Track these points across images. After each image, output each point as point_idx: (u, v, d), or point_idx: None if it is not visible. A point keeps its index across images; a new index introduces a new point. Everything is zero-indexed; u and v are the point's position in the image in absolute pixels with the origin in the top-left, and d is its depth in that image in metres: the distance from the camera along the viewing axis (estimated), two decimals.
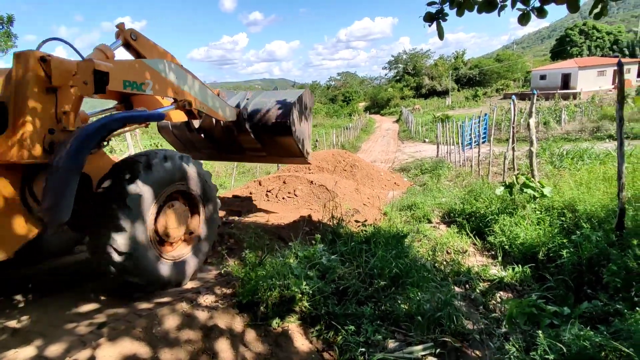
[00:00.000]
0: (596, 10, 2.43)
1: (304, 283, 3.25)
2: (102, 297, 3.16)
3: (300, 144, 5.41)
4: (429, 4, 2.84)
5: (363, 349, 2.87)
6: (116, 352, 2.24)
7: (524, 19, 2.57)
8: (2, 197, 2.79)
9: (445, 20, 2.75)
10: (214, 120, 5.03)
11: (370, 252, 4.26)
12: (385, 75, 75.85)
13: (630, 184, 4.19)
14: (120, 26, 3.71)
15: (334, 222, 5.29)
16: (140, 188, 3.02)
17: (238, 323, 2.92)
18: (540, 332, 2.57)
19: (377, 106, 61.73)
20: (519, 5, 2.67)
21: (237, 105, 5.29)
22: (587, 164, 7.60)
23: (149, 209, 3.12)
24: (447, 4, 2.82)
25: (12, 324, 2.72)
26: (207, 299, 3.07)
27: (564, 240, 4.02)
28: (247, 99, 5.51)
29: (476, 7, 2.75)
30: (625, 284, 2.91)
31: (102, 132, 2.95)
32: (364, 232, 5.22)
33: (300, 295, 3.19)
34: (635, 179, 4.38)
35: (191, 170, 3.55)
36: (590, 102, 25.37)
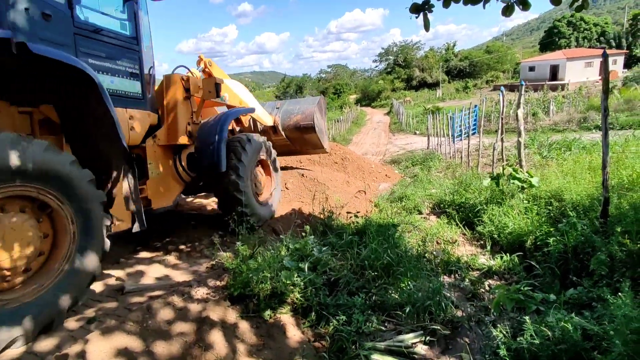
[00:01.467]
0: (577, 3, 2.46)
1: (296, 275, 3.27)
2: (92, 292, 3.14)
3: (321, 138, 7.73)
4: None
5: (354, 339, 2.91)
6: (108, 346, 2.23)
7: (507, 11, 2.59)
8: (164, 167, 4.31)
9: (431, 11, 2.75)
10: (252, 125, 6.67)
11: (362, 244, 4.30)
12: (376, 67, 75.77)
13: (614, 173, 4.28)
14: (201, 56, 5.22)
15: (325, 214, 5.31)
16: (248, 154, 4.80)
17: (230, 315, 2.93)
18: (527, 317, 2.64)
19: (368, 99, 61.68)
20: None
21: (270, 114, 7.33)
22: (574, 154, 7.73)
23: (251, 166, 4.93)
24: None
25: None
26: (199, 292, 3.07)
27: (551, 229, 4.09)
28: (277, 108, 7.74)
29: None
30: (609, 271, 2.99)
31: (230, 119, 4.80)
32: (355, 224, 5.26)
33: (292, 287, 3.21)
34: (620, 168, 4.48)
35: (265, 145, 5.29)
36: (578, 93, 25.72)
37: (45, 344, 2.28)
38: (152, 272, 3.69)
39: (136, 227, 3.41)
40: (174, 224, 5.25)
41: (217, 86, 4.52)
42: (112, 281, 3.45)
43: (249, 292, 3.07)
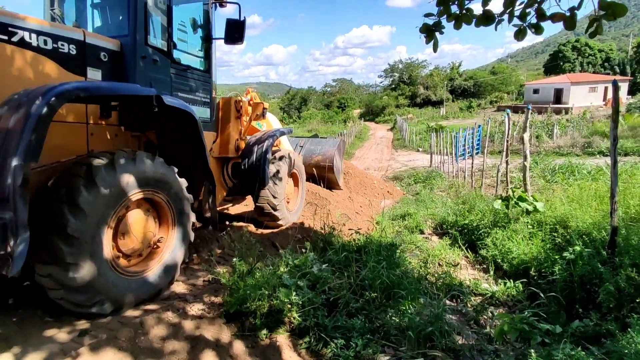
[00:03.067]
0: (591, 29, 2.44)
1: (294, 294, 3.18)
2: None
3: (338, 177, 8.72)
4: (426, 16, 2.82)
5: None
6: None
7: (520, 34, 2.57)
8: (216, 174, 4.80)
9: (442, 32, 2.73)
10: None
11: (362, 262, 4.21)
12: (381, 83, 76.42)
13: (621, 203, 4.21)
14: (249, 90, 5.92)
15: (326, 230, 5.23)
16: (283, 172, 5.63)
17: (225, 334, 2.84)
18: (532, 350, 2.54)
19: (372, 114, 62.01)
20: (516, 20, 2.67)
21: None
22: (579, 180, 7.67)
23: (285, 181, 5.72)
24: (445, 16, 2.81)
25: None
26: (194, 308, 2.99)
27: (556, 257, 4.01)
28: (301, 146, 8.89)
29: (474, 20, 2.74)
30: (617, 304, 2.90)
31: (274, 140, 5.46)
32: (356, 242, 5.18)
33: (289, 306, 3.12)
34: (627, 197, 4.41)
35: (296, 160, 6.28)
36: (582, 117, 25.79)
37: (34, 357, 2.20)
38: None
39: (210, 229, 4.26)
40: None
41: (264, 110, 5.65)
42: None
43: (246, 310, 2.98)
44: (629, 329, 2.37)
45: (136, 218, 3.08)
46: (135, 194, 2.96)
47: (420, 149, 24.86)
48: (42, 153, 2.35)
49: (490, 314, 3.88)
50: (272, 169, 5.38)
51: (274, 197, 5.29)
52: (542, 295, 3.58)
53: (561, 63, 57.14)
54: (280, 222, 5.47)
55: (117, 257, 2.93)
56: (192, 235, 3.57)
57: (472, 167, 10.50)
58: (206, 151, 3.73)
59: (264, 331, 2.96)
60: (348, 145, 29.06)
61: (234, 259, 3.41)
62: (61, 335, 2.49)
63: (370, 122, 56.80)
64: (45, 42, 2.93)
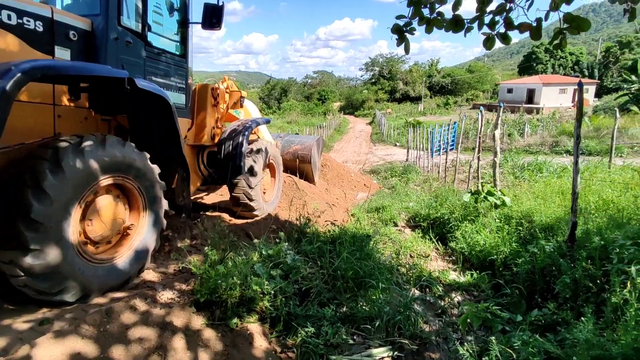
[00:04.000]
0: (556, 42, 2.54)
1: (266, 283, 3.19)
2: None
3: (314, 171, 8.67)
4: (398, 17, 2.86)
5: (322, 352, 2.86)
6: (59, 351, 2.08)
7: (488, 43, 2.64)
8: (190, 163, 4.50)
9: (412, 34, 2.77)
10: None
11: (335, 253, 4.26)
12: (362, 76, 76.68)
13: (582, 198, 4.44)
14: (225, 78, 5.86)
15: (301, 221, 5.25)
16: (260, 163, 5.55)
17: (195, 322, 2.82)
18: (493, 337, 2.67)
19: (352, 107, 62.24)
20: (485, 29, 2.74)
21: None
22: (545, 177, 8.02)
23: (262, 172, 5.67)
24: (417, 18, 2.85)
25: None
26: (164, 296, 2.94)
27: (520, 249, 4.19)
28: (280, 137, 8.95)
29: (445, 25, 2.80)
30: (573, 294, 3.07)
31: (252, 128, 5.36)
32: (331, 233, 5.23)
33: (261, 295, 3.13)
34: (587, 193, 4.66)
35: (273, 150, 6.18)
36: (552, 117, 26.88)
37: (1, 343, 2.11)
38: None
39: (183, 217, 4.13)
40: None
41: (242, 99, 5.66)
42: None
43: (217, 299, 2.97)
44: (582, 318, 2.51)
45: (105, 204, 2.98)
46: (104, 180, 2.87)
47: (398, 144, 25.23)
48: (4, 134, 2.25)
49: (456, 304, 4.04)
50: (248, 158, 5.30)
51: (250, 188, 5.24)
52: (505, 286, 3.75)
53: (534, 64, 59.10)
54: (255, 213, 5.42)
55: (85, 243, 2.84)
56: (164, 223, 3.51)
57: (447, 162, 10.76)
58: (180, 138, 3.65)
59: (235, 320, 2.95)
60: (327, 137, 29.10)
61: (206, 248, 3.37)
62: (21, 324, 2.40)
63: (350, 115, 56.99)
64: (9, 17, 2.75)
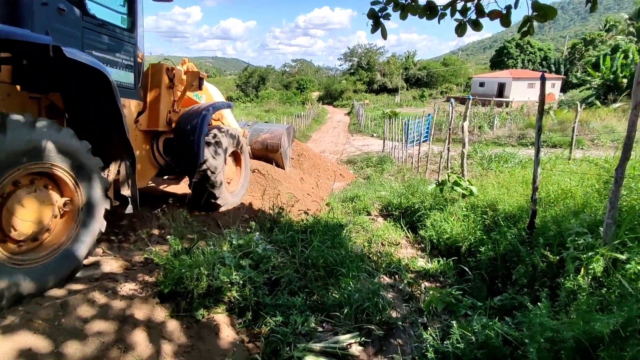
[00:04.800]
0: (524, 29, 2.61)
1: (234, 273, 3.15)
2: None
3: (284, 160, 8.40)
4: (373, 3, 2.85)
5: (290, 340, 2.86)
6: (8, 347, 1.98)
7: (460, 29, 2.68)
8: (142, 150, 4.49)
9: (388, 19, 2.77)
10: None
11: (308, 242, 4.27)
12: (340, 66, 76.45)
13: (542, 188, 4.64)
14: (185, 60, 5.45)
15: (275, 210, 5.22)
16: (223, 148, 5.16)
17: (159, 314, 2.75)
18: (454, 322, 2.76)
19: (331, 97, 62.15)
20: (457, 15, 2.77)
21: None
22: (511, 168, 8.32)
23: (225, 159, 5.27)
24: (392, 4, 2.85)
25: None
26: (125, 287, 2.85)
27: (484, 237, 4.34)
28: (248, 125, 8.57)
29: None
30: (530, 279, 3.22)
31: (211, 112, 5.00)
32: (304, 222, 5.23)
33: (229, 285, 3.09)
34: (548, 183, 4.86)
35: (238, 137, 5.72)
36: (520, 111, 27.84)
37: None
38: None
39: (129, 209, 3.67)
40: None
41: (201, 80, 4.94)
42: None
43: (182, 290, 2.91)
44: (538, 303, 2.63)
45: (27, 196, 2.56)
46: (27, 168, 2.48)
47: (375, 135, 25.46)
48: None
49: (423, 289, 4.15)
50: (209, 146, 4.87)
51: (212, 172, 4.82)
52: (469, 272, 3.88)
53: (505, 59, 60.78)
54: (218, 202, 5.03)
55: (2, 241, 2.46)
56: (103, 224, 3.09)
57: (419, 153, 10.96)
58: (124, 120, 3.25)
59: (201, 311, 2.91)
60: (305, 127, 29.00)
61: (168, 237, 3.28)
62: None
63: (328, 105, 56.92)
64: None
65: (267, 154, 8.18)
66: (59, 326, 2.25)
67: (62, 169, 2.72)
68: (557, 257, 3.15)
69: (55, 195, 2.76)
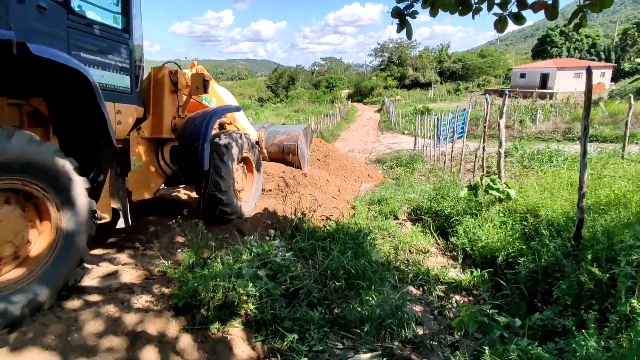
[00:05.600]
0: (576, 21, 2.29)
1: (251, 285, 3.04)
2: None
3: (302, 162, 8.05)
4: (399, 1, 2.62)
5: (306, 358, 2.72)
6: None
7: (500, 24, 2.39)
8: (147, 159, 4.28)
9: (414, 17, 2.53)
10: None
11: (328, 250, 4.10)
12: (371, 62, 75.46)
13: (591, 192, 4.18)
14: (194, 63, 5.42)
15: (297, 215, 5.09)
16: (231, 153, 4.80)
17: (172, 328, 2.69)
18: (486, 347, 2.49)
19: (361, 94, 61.45)
20: (496, 9, 2.48)
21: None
22: (555, 167, 7.68)
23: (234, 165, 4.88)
24: (419, 0, 2.61)
25: None
26: (141, 300, 2.83)
27: (523, 247, 3.97)
28: (264, 127, 8.25)
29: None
30: (575, 299, 2.86)
31: (216, 117, 4.73)
32: (328, 228, 5.06)
33: (245, 298, 2.99)
34: (598, 187, 4.38)
35: (249, 143, 5.37)
36: (565, 103, 25.99)
37: None
38: (101, 270, 3.42)
39: (120, 223, 3.39)
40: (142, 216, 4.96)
41: (205, 83, 4.51)
42: None
43: (197, 302, 2.84)
44: (583, 330, 2.31)
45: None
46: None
47: (406, 132, 24.79)
48: None
49: (454, 303, 3.85)
50: (216, 152, 4.54)
51: (218, 181, 4.49)
52: (505, 285, 3.54)
53: (549, 48, 57.19)
54: (227, 211, 4.68)
55: None
56: (84, 252, 2.81)
57: (452, 151, 10.44)
58: (109, 124, 2.98)
59: (216, 324, 2.82)
60: (334, 125, 28.79)
61: (180, 250, 3.23)
62: None
63: (358, 102, 56.31)
64: None
65: (284, 156, 7.89)
66: (70, 342, 2.24)
67: (38, 188, 2.44)
68: (607, 275, 2.77)
69: (28, 219, 2.49)
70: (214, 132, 5.07)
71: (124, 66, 3.63)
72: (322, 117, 28.10)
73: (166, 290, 3.00)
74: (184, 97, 4.67)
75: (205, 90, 4.54)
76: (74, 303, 2.74)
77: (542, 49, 59.11)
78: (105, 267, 3.48)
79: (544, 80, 43.20)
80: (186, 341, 2.64)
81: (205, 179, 4.47)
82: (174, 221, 3.41)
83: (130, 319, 2.57)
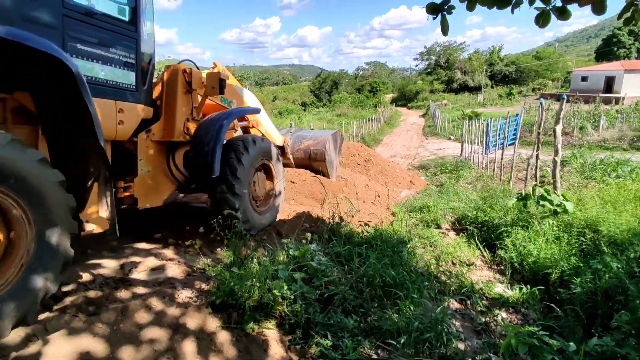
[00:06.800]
0: (627, 15, 2.06)
1: (286, 287, 3.06)
2: (76, 278, 3.08)
3: (329, 170, 7.53)
4: None
5: None
6: (68, 349, 2.13)
7: (542, 20, 2.21)
8: (156, 164, 3.96)
9: (450, 13, 2.41)
10: None
11: (366, 256, 4.02)
12: (416, 66, 73.90)
13: None
14: (216, 63, 5.14)
15: (334, 220, 5.06)
16: (250, 156, 4.33)
17: (210, 324, 2.77)
18: None
19: (405, 98, 60.34)
20: (538, 3, 2.30)
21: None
22: (620, 178, 6.98)
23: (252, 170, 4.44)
24: None
25: None
26: (182, 295, 2.93)
27: (581, 264, 3.64)
28: (291, 132, 7.78)
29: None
30: (638, 327, 2.55)
31: (231, 119, 4.33)
32: (365, 234, 4.97)
33: (280, 300, 3.01)
34: None
35: (271, 149, 4.82)
36: (634, 108, 23.65)
37: (10, 340, 2.21)
38: (146, 264, 3.61)
39: (108, 235, 2.93)
40: (183, 214, 5.20)
41: (222, 82, 4.15)
42: (103, 270, 3.39)
43: (233, 301, 2.90)
44: None
45: None
46: None
47: (452, 137, 23.90)
48: None
49: (500, 321, 3.61)
50: (230, 155, 4.17)
51: (230, 189, 4.07)
52: (556, 308, 3.25)
53: (615, 49, 52.49)
54: (243, 227, 3.92)
55: None
56: (70, 254, 2.47)
57: (502, 158, 9.87)
58: (95, 122, 2.63)
59: (251, 324, 2.86)
60: (376, 130, 28.46)
61: (220, 248, 3.31)
62: (44, 314, 2.50)
63: (402, 107, 55.31)
64: None
65: (310, 162, 7.40)
66: (117, 331, 2.37)
67: (12, 201, 2.15)
68: None
69: None
70: (235, 135, 4.91)
71: (128, 61, 3.32)
72: (365, 121, 27.90)
73: (205, 287, 3.10)
74: (200, 98, 4.33)
75: (222, 91, 4.21)
76: (122, 294, 2.92)
77: (607, 50, 54.41)
78: (151, 262, 3.67)
79: (609, 84, 39.71)
80: (223, 338, 2.70)
81: (218, 181, 4.09)
82: (214, 220, 3.51)
83: (172, 312, 2.68)
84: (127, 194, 3.65)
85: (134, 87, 3.41)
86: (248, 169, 4.29)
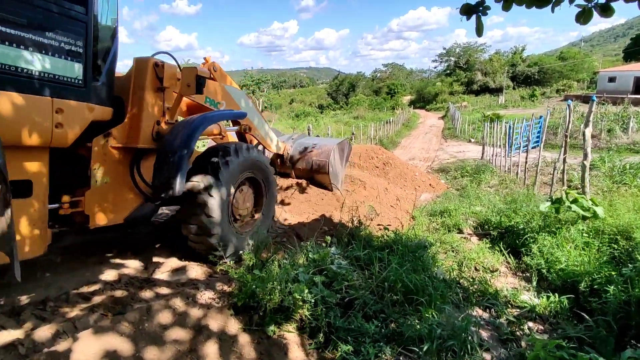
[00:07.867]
0: None
1: (307, 290, 3.05)
2: (102, 278, 3.17)
3: (334, 182, 6.65)
4: None
5: None
6: (97, 347, 2.18)
7: (583, 17, 2.13)
8: (115, 174, 3.34)
9: (485, 14, 2.36)
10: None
11: (386, 261, 3.97)
12: (435, 68, 73.04)
13: None
14: (207, 59, 4.61)
15: (354, 223, 5.03)
16: (229, 168, 3.69)
17: (232, 326, 2.79)
18: None
19: (423, 100, 59.70)
20: (580, 1, 2.22)
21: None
22: None
23: (233, 185, 3.79)
24: None
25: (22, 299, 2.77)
26: (205, 296, 2.97)
27: (613, 273, 3.48)
28: (292, 139, 6.89)
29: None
30: None
31: (205, 124, 3.62)
32: (386, 238, 4.92)
33: (301, 303, 3.00)
34: None
35: (260, 160, 4.17)
36: None
37: (42, 333, 2.29)
38: (169, 265, 3.68)
39: (17, 274, 1.95)
40: None
41: (200, 79, 3.41)
42: (128, 270, 3.48)
43: (255, 303, 2.91)
44: None
45: None
46: None
47: (473, 140, 23.45)
48: None
49: (527, 330, 3.49)
50: (204, 166, 3.58)
51: (208, 199, 3.46)
52: (587, 317, 3.12)
53: None
54: (220, 249, 3.60)
55: None
56: None
57: (527, 161, 9.60)
58: None
59: (272, 327, 2.87)
60: (394, 132, 28.21)
61: (242, 252, 3.33)
62: (74, 311, 2.58)
63: (420, 109, 54.72)
64: None
65: (312, 174, 6.56)
66: (142, 330, 2.42)
67: None
68: None
69: None
70: (223, 142, 4.45)
71: (72, 50, 2.73)
72: (382, 124, 27.70)
73: (227, 289, 3.12)
74: (173, 98, 3.68)
75: (199, 90, 3.46)
76: (146, 294, 2.98)
77: (636, 50, 52.20)
78: (174, 262, 3.74)
79: (639, 85, 38.12)
80: (244, 340, 2.71)
81: (189, 197, 3.47)
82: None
83: (194, 313, 2.71)
84: (75, 209, 3.03)
85: (80, 82, 2.82)
86: (226, 184, 3.64)
